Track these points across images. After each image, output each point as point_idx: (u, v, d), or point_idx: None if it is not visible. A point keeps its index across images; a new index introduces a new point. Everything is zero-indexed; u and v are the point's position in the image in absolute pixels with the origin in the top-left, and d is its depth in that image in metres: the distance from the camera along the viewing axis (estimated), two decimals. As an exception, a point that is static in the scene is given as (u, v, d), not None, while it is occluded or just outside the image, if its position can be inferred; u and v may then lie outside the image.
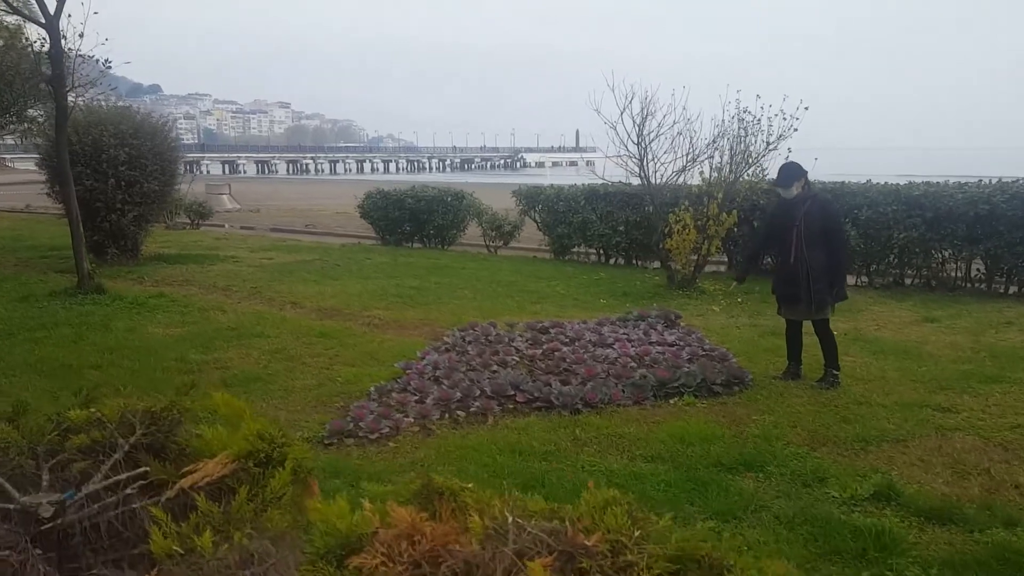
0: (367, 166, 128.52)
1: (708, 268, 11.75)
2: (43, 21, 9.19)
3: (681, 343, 7.52)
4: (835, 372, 6.38)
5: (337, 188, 60.28)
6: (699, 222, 10.72)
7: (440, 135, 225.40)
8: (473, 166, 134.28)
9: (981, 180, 10.97)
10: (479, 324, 8.31)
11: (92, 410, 2.37)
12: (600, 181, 13.85)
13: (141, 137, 12.84)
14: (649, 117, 10.60)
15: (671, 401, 6.04)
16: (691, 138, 10.71)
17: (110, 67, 9.64)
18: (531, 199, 15.19)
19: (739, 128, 10.47)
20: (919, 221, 10.75)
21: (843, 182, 11.79)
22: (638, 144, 10.86)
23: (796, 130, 10.24)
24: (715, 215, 10.57)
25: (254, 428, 2.19)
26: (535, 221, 15.35)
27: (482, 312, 9.42)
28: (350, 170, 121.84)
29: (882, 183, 11.66)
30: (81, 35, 9.33)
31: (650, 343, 7.48)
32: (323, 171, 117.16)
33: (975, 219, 10.35)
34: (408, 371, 6.66)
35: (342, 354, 7.43)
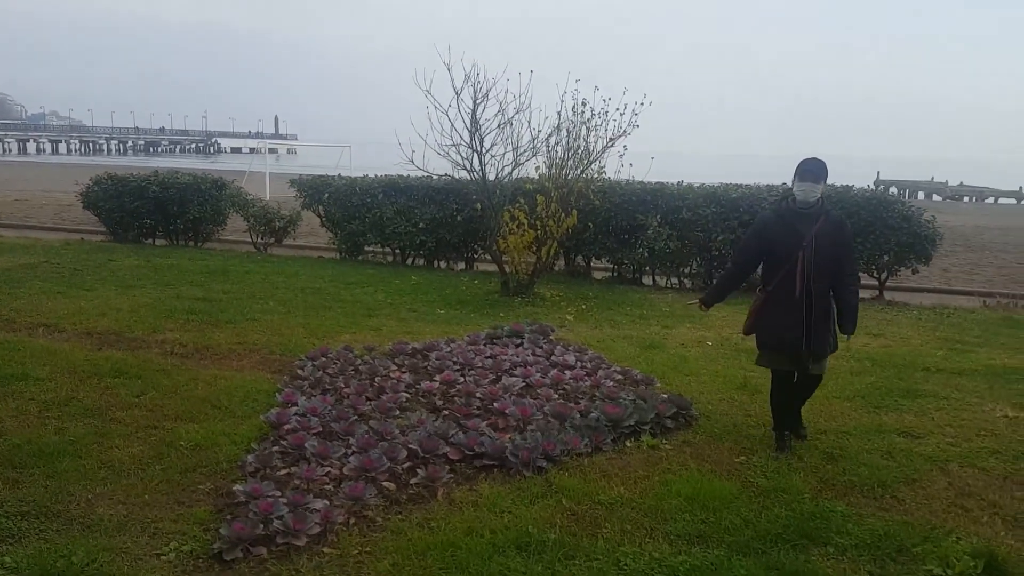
0: (31, 146, 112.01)
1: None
2: None
3: (586, 364, 6.52)
4: (788, 435, 5.08)
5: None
6: (535, 221, 9.79)
7: (120, 115, 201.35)
8: (160, 149, 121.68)
9: (784, 184, 11.27)
10: (330, 350, 6.66)
11: None
12: (398, 174, 12.47)
13: None
14: (486, 101, 9.40)
15: (628, 444, 5.02)
16: (528, 126, 9.69)
17: None
18: (316, 190, 13.16)
19: (577, 121, 9.65)
20: (736, 224, 10.80)
21: (662, 183, 11.51)
22: (472, 133, 9.62)
23: (637, 126, 9.65)
24: (555, 213, 9.69)
25: None
26: (319, 216, 13.39)
27: (310, 331, 7.70)
28: (10, 151, 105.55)
29: (698, 184, 11.59)
30: None
31: (553, 366, 6.39)
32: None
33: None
34: (283, 425, 4.92)
35: (164, 403, 5.41)
